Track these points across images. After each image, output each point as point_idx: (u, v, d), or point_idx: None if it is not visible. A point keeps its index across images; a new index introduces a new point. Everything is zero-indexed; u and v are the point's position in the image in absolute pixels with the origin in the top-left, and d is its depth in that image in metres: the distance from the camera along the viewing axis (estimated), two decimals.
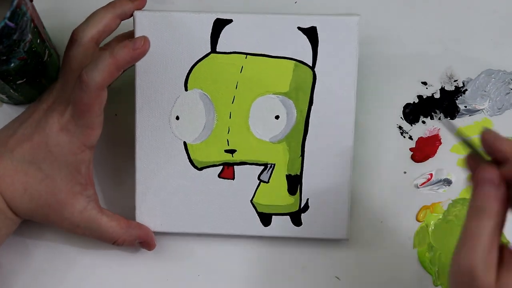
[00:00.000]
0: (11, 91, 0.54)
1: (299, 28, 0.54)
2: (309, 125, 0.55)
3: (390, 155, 0.59)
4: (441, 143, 0.59)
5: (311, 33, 0.54)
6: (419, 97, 0.60)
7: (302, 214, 0.55)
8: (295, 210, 0.55)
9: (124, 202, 0.57)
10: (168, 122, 0.55)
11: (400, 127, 0.59)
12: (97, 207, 0.54)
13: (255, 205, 0.55)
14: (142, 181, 0.55)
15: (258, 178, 0.55)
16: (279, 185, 0.55)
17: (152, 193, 0.55)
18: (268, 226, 0.56)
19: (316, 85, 0.55)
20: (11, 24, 0.46)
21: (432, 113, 0.60)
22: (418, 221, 0.58)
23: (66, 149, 0.51)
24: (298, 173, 0.55)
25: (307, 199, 0.55)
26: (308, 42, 0.54)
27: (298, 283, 0.57)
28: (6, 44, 0.47)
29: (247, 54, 0.55)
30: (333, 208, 0.55)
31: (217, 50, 0.54)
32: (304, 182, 0.55)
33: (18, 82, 0.53)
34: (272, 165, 0.55)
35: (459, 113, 0.60)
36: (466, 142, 0.46)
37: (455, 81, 0.60)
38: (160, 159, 0.55)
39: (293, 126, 0.55)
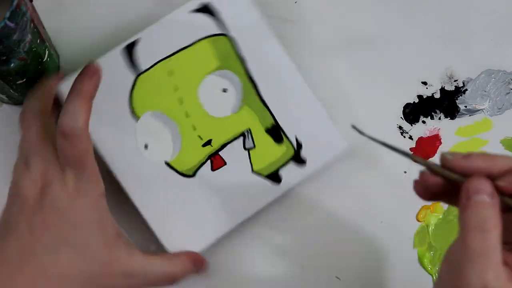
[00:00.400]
0: (11, 91, 0.54)
1: (194, 10, 0.57)
2: (255, 80, 0.56)
3: (390, 155, 0.59)
4: (441, 143, 0.59)
5: (208, 10, 0.57)
6: (419, 97, 0.60)
7: (301, 153, 0.56)
8: (292, 154, 0.56)
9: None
10: (140, 154, 0.55)
11: (400, 127, 0.59)
12: (140, 251, 0.51)
13: (259, 172, 0.56)
14: (150, 215, 0.54)
15: (245, 148, 0.56)
16: (265, 143, 0.56)
17: (167, 221, 0.55)
18: (281, 182, 0.56)
19: (238, 45, 0.56)
20: (11, 24, 0.46)
21: (432, 113, 0.60)
22: (418, 221, 0.58)
23: (85, 209, 0.49)
24: (273, 122, 0.56)
25: (295, 137, 0.56)
26: (211, 17, 0.57)
27: (298, 283, 0.57)
28: (6, 44, 0.47)
29: (167, 57, 0.56)
30: (320, 129, 0.57)
31: (141, 69, 0.56)
32: (282, 126, 0.56)
33: (18, 82, 0.53)
34: (248, 130, 0.56)
35: (459, 113, 0.60)
36: (415, 158, 0.45)
37: (455, 81, 0.60)
38: (154, 187, 0.55)
39: (242, 89, 0.56)
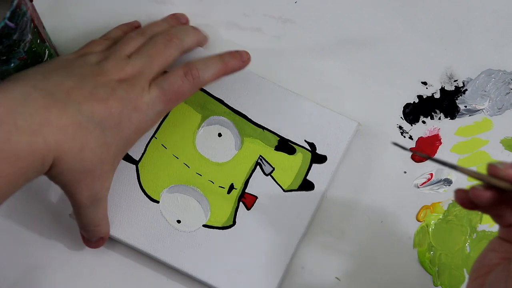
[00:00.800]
0: None
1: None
2: (240, 111, 0.58)
3: (390, 155, 0.59)
4: (441, 143, 0.59)
5: None
6: (419, 97, 0.60)
7: (317, 151, 0.57)
8: (310, 156, 0.57)
9: None
10: (178, 233, 0.56)
11: (400, 127, 0.59)
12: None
13: (290, 189, 0.56)
14: (217, 280, 0.55)
15: (266, 174, 0.56)
16: (281, 160, 0.57)
17: (231, 277, 0.55)
18: (314, 187, 0.56)
19: (209, 89, 0.58)
20: (11, 24, 0.46)
21: (432, 113, 0.60)
22: (418, 221, 0.58)
23: (134, 127, 0.51)
24: (278, 138, 0.57)
25: (305, 141, 0.57)
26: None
27: (298, 283, 0.57)
28: (6, 44, 0.47)
29: (153, 136, 0.57)
30: (323, 122, 0.57)
31: (137, 158, 0.57)
32: (288, 137, 0.57)
33: None
34: (260, 157, 0.57)
35: (459, 113, 0.60)
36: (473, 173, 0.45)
37: (455, 81, 0.60)
38: (204, 252, 0.55)
39: (234, 125, 0.57)
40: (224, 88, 0.58)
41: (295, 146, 0.57)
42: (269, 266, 0.55)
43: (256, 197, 0.56)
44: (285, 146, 0.57)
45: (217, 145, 0.57)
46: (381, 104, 0.59)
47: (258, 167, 0.57)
